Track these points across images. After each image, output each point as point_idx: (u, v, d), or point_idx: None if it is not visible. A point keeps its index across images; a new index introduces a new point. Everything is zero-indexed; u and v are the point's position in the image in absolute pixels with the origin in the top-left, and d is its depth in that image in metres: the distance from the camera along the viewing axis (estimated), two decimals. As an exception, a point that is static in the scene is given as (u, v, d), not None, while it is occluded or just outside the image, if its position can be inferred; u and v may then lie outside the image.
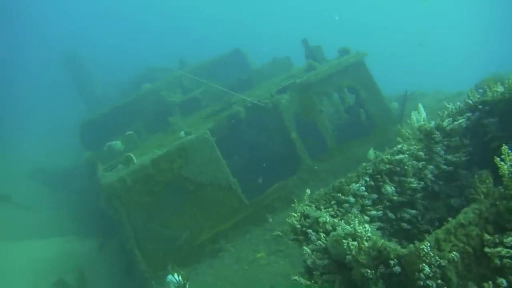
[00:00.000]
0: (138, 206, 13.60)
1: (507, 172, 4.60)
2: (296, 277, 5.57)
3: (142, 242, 13.58)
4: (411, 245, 4.58)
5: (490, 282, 4.49)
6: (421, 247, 4.44)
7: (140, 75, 29.95)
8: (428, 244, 4.46)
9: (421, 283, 4.44)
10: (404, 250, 4.56)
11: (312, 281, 5.71)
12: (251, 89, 18.97)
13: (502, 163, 4.66)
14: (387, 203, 7.13)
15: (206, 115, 17.41)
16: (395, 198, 7.13)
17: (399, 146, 7.43)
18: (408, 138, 7.60)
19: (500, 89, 7.45)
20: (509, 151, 4.76)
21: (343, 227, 5.41)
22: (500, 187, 4.72)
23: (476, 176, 5.35)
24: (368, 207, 7.04)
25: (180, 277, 11.58)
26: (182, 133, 15.03)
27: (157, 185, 13.78)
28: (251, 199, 14.15)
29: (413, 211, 7.19)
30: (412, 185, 7.22)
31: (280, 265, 11.55)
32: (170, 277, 11.63)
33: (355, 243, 4.94)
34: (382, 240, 4.77)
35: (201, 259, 13.51)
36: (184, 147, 13.84)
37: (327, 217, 5.94)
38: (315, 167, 14.50)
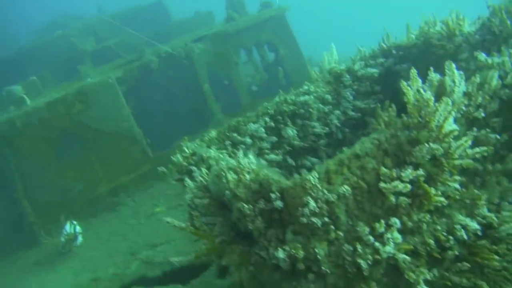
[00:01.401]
0: (28, 152, 12.23)
1: (412, 98, 3.96)
2: (168, 219, 4.73)
3: (32, 192, 12.27)
4: (296, 176, 3.86)
5: (383, 222, 3.87)
6: (307, 178, 3.72)
7: (51, 22, 27.55)
8: (316, 176, 3.74)
9: (305, 220, 3.75)
10: (288, 182, 3.83)
11: (190, 224, 4.93)
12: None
13: (409, 88, 4.02)
14: (288, 148, 6.44)
15: (118, 65, 16.04)
16: (296, 143, 6.45)
17: (305, 87, 6.72)
18: (317, 80, 6.90)
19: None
20: (417, 77, 4.12)
21: (227, 161, 4.63)
22: (403, 115, 4.09)
23: (378, 105, 4.72)
24: (267, 151, 6.32)
25: (72, 228, 10.54)
26: (88, 80, 13.66)
27: (52, 130, 12.44)
28: (156, 152, 13.16)
29: (315, 159, 6.55)
30: (316, 129, 6.56)
31: (179, 219, 10.69)
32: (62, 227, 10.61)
33: (235, 176, 4.16)
34: (266, 172, 4.02)
35: (98, 213, 12.45)
36: (85, 91, 12.57)
37: (212, 152, 5.14)
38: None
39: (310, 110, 6.57)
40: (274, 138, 6.42)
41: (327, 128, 6.64)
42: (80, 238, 10.87)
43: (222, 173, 4.32)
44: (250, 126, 6.30)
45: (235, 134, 6.24)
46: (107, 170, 12.83)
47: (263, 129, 6.31)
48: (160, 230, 10.51)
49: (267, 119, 6.40)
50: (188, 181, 4.97)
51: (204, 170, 4.94)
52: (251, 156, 4.36)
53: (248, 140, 6.24)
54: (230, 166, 4.41)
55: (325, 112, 6.71)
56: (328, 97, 6.73)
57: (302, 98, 6.56)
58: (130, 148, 12.93)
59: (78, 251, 10.78)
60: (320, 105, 6.66)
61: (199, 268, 8.34)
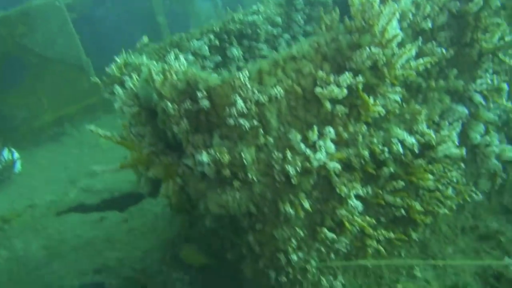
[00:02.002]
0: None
1: (357, 1, 3.65)
2: (92, 127, 4.38)
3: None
4: (225, 73, 3.55)
5: (316, 129, 3.63)
6: (236, 76, 3.41)
7: None
8: (247, 75, 3.44)
9: (232, 121, 3.46)
10: (216, 80, 3.52)
11: (119, 137, 4.60)
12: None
13: (354, -12, 3.70)
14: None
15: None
16: (241, 64, 6.11)
17: (255, 7, 6.33)
18: (268, 0, 6.51)
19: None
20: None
21: (158, 65, 4.26)
22: (346, 18, 3.80)
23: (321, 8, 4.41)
24: (209, 70, 5.97)
25: (10, 155, 10.04)
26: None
27: (-8, 53, 11.68)
28: (105, 83, 12.57)
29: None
30: (263, 52, 6.23)
31: (123, 150, 10.33)
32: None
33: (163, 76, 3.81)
34: (194, 70, 3.69)
35: (41, 143, 11.91)
36: (29, 12, 11.70)
37: (145, 59, 4.77)
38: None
39: (258, 31, 6.21)
40: (219, 58, 6.07)
41: (274, 52, 6.29)
42: (18, 166, 10.38)
43: (151, 75, 3.96)
44: (193, 43, 5.91)
45: (176, 50, 5.83)
46: (52, 99, 12.22)
47: (206, 47, 5.94)
48: (103, 160, 10.12)
49: (211, 36, 6.02)
50: (117, 88, 4.59)
51: (135, 77, 4.57)
52: (182, 58, 4.00)
53: (190, 57, 5.87)
54: (159, 69, 4.06)
55: (273, 35, 6.38)
56: (278, 19, 6.38)
57: (250, 18, 6.18)
58: (77, 77, 12.29)
59: (16, 178, 10.32)
60: (269, 27, 6.32)
61: (138, 196, 8.09)
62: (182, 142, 3.94)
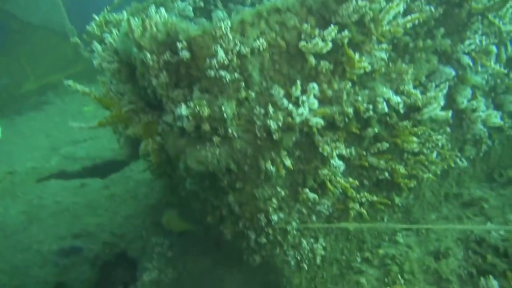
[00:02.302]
0: None
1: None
2: (70, 82, 4.23)
3: None
4: (206, 23, 3.41)
5: (299, 84, 3.51)
6: (218, 26, 3.28)
7: None
8: (229, 25, 3.30)
9: (213, 73, 3.33)
10: (197, 31, 3.38)
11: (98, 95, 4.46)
12: None
13: None
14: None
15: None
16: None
17: (242, -33, 6.17)
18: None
19: None
20: None
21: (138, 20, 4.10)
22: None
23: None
24: (194, 31, 5.79)
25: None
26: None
27: (-28, 18, 11.38)
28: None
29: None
30: (250, 15, 6.05)
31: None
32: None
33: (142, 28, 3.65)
34: (175, 21, 3.54)
35: (23, 111, 11.68)
36: (11, -24, 11.42)
37: (126, 14, 4.61)
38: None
39: (244, -8, 6.07)
40: (203, 20, 5.90)
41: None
42: (-1, 133, 10.17)
43: (130, 27, 3.80)
44: (178, 4, 5.74)
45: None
46: (36, 67, 11.99)
47: (191, 8, 5.76)
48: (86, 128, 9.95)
49: (196, -3, 5.85)
50: (95, 45, 4.44)
51: (115, 32, 4.42)
52: (163, 11, 3.85)
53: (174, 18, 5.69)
54: (139, 23, 3.90)
55: (260, -1, 6.22)
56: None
57: (237, -21, 6.02)
58: (61, 45, 12.02)
59: (-4, 146, 10.12)
60: (256, -12, 6.17)
61: (120, 164, 7.98)
62: (162, 98, 3.82)
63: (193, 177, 4.40)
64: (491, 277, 3.86)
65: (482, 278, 3.88)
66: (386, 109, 3.79)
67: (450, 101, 4.45)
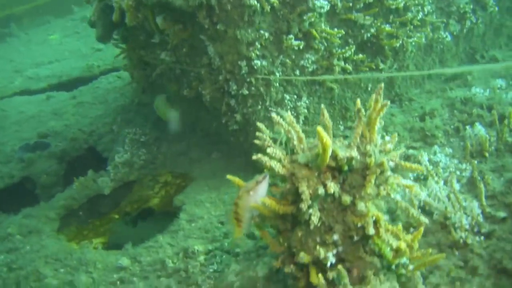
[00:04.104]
0: None
1: None
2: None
3: None
4: None
5: None
6: None
7: None
8: None
9: None
10: None
11: None
12: None
13: None
14: None
15: None
16: None
17: None
18: None
19: None
20: None
21: None
22: None
23: None
24: None
25: None
26: None
27: None
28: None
29: None
30: None
31: (72, 44, 9.78)
32: None
33: None
34: None
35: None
36: None
37: None
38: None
39: None
40: None
41: None
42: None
43: None
44: None
45: None
46: (-3, -3, 11.41)
47: None
48: (50, 53, 9.56)
49: None
50: None
51: None
52: None
53: None
54: None
55: None
56: None
57: None
58: (25, -24, 11.50)
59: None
60: None
61: (89, 79, 7.67)
62: None
63: (173, 36, 4.18)
64: (477, 123, 3.76)
65: (468, 127, 3.77)
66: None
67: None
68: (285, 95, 4.04)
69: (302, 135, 2.41)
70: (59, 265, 3.95)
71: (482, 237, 2.87)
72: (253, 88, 3.89)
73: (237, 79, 3.90)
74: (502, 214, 2.99)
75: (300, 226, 2.42)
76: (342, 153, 2.25)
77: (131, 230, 4.45)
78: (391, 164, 2.36)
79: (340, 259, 2.36)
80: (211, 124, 4.75)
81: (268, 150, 2.35)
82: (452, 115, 4.15)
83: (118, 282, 3.59)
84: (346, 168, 2.29)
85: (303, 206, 2.22)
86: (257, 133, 2.50)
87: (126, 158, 4.97)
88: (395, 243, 2.24)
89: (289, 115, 2.43)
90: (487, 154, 3.53)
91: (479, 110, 4.01)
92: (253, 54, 3.74)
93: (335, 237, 2.34)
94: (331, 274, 2.28)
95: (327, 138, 2.10)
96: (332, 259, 2.31)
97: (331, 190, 2.21)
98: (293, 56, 3.93)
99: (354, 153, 2.23)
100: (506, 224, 2.93)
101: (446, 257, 2.83)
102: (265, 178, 2.41)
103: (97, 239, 4.29)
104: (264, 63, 3.80)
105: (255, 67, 3.77)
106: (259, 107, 4.01)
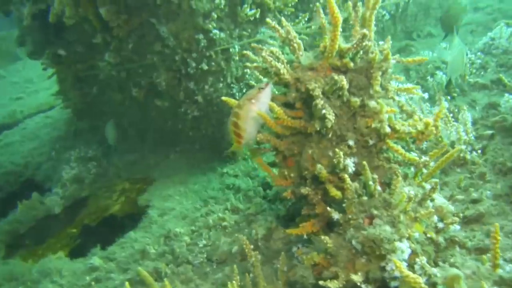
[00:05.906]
0: None
1: None
2: None
3: None
4: None
5: None
6: None
7: None
8: None
9: None
10: None
11: None
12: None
13: None
14: None
15: None
16: None
17: None
18: None
19: None
20: None
21: None
22: None
23: None
24: None
25: None
26: None
27: None
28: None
29: None
30: None
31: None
32: None
33: None
34: None
35: None
36: None
37: None
38: None
39: None
40: None
41: None
42: None
43: None
44: None
45: None
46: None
47: None
48: None
49: None
50: None
51: None
52: None
53: None
54: None
55: None
56: None
57: None
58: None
59: None
60: None
61: (12, 125, 7.14)
62: None
63: (118, 29, 3.97)
64: (437, 71, 3.84)
65: (429, 77, 3.84)
66: None
67: None
68: (245, 70, 3.92)
69: (300, 42, 2.29)
70: (14, 285, 3.43)
71: (480, 151, 2.84)
72: (213, 63, 3.74)
73: (195, 57, 3.73)
74: (489, 131, 3.01)
75: (310, 144, 2.24)
76: (347, 45, 2.16)
77: (95, 240, 3.98)
78: (393, 61, 2.30)
79: (356, 174, 2.19)
80: (166, 123, 4.49)
81: (263, 54, 2.20)
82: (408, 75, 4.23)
83: (93, 283, 3.14)
84: (351, 65, 2.18)
85: (318, 102, 2.07)
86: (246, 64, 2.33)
87: (74, 173, 4.55)
88: (419, 126, 2.12)
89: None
90: (455, 94, 3.60)
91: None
92: (210, 26, 3.62)
93: (350, 142, 2.19)
94: (354, 185, 2.09)
95: (338, 11, 1.99)
96: (352, 167, 2.15)
97: (343, 82, 2.08)
98: (249, 30, 3.86)
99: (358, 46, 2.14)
100: (495, 139, 2.94)
101: (450, 174, 2.77)
102: (268, 85, 2.22)
103: (56, 254, 3.78)
104: (222, 35, 3.69)
105: (214, 37, 3.64)
106: (221, 84, 3.85)
